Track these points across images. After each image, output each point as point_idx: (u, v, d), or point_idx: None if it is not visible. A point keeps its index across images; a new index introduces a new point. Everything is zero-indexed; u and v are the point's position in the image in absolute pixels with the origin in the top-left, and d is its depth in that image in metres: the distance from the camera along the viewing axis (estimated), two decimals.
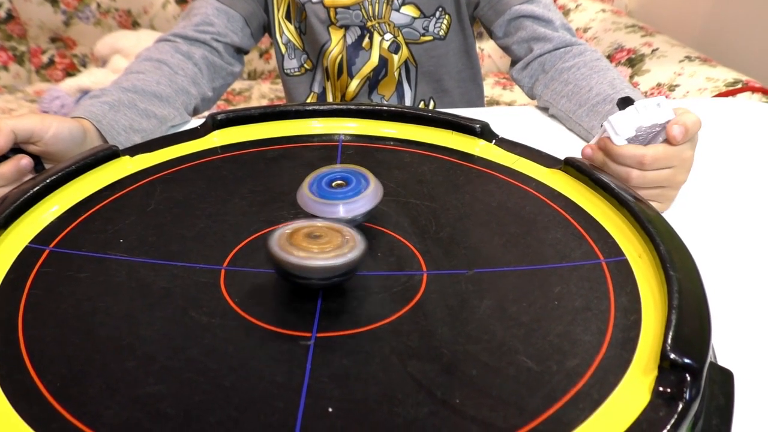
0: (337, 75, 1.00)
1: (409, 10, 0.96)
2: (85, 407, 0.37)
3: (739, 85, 1.43)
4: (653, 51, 1.66)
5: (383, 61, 0.98)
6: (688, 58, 1.57)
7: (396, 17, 0.96)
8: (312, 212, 0.51)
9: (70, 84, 1.72)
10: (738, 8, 1.74)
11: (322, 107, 0.71)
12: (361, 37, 0.97)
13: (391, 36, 0.96)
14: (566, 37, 0.92)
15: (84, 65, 2.03)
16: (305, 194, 0.52)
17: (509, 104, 1.80)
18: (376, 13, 0.95)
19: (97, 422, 0.36)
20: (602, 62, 0.87)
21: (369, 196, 0.52)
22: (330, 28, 0.97)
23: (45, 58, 2.02)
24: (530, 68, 0.93)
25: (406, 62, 0.99)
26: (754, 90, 1.42)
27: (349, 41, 0.97)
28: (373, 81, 0.99)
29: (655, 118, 0.64)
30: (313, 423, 0.37)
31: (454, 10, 0.98)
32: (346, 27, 0.97)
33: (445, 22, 0.97)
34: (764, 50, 1.64)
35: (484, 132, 0.67)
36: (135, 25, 2.00)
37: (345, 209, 0.51)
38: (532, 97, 0.95)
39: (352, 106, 0.71)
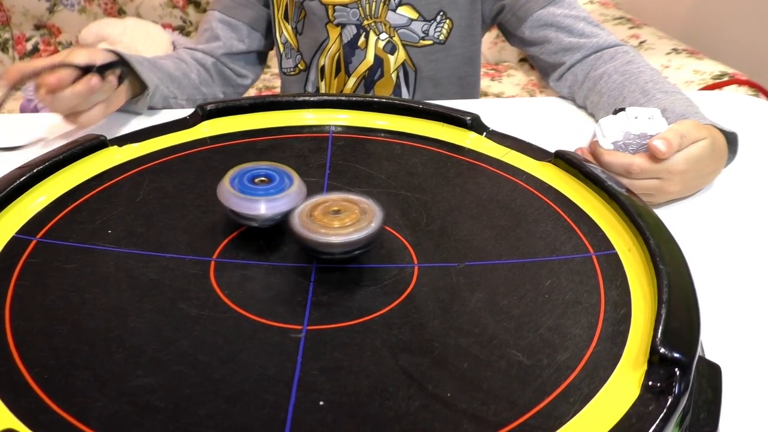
0: (335, 72, 1.00)
1: (405, 11, 0.96)
2: (73, 399, 0.37)
3: (726, 78, 1.44)
4: (641, 43, 1.66)
5: (378, 61, 0.98)
6: (675, 50, 1.58)
7: (392, 17, 0.96)
8: (231, 207, 0.49)
9: None
10: (725, 0, 1.75)
11: (312, 98, 0.71)
12: (357, 36, 0.97)
13: (387, 36, 0.96)
14: (593, 41, 0.91)
15: None
16: (225, 188, 0.50)
17: (498, 95, 1.80)
18: (373, 12, 0.95)
19: (85, 415, 0.36)
20: (634, 65, 0.86)
21: (292, 195, 0.50)
22: (327, 26, 0.98)
23: (29, 46, 2.00)
24: (565, 79, 0.93)
25: (404, 66, 0.99)
26: (740, 83, 1.43)
27: (345, 40, 0.97)
28: (369, 81, 0.99)
29: (646, 128, 0.66)
30: (304, 416, 0.36)
31: (465, 15, 0.97)
32: (343, 25, 0.97)
33: (446, 26, 0.97)
34: (750, 42, 1.65)
35: (475, 124, 0.67)
36: (121, 12, 1.98)
37: (266, 206, 0.49)
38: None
39: (343, 98, 0.71)
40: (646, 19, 1.83)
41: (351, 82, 0.99)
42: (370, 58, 0.97)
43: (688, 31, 1.82)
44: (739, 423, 0.44)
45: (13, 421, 0.36)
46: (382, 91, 1.00)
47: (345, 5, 0.95)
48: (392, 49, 0.97)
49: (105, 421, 0.36)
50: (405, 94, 1.00)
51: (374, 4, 0.95)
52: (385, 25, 0.96)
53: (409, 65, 0.99)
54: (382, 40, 0.96)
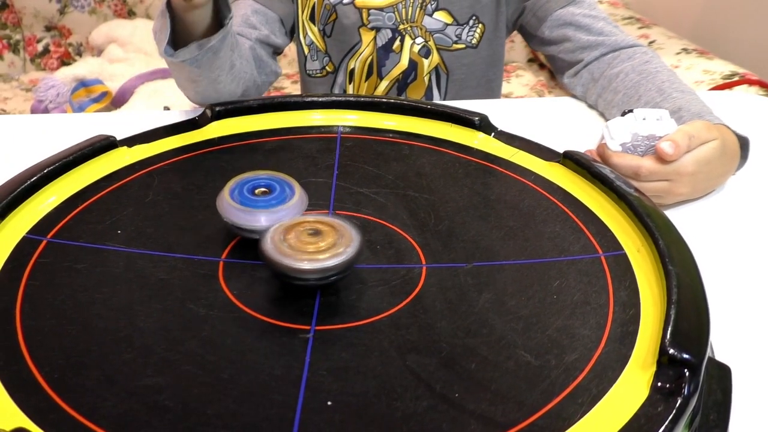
0: (367, 76, 1.00)
1: (441, 16, 0.96)
2: (83, 398, 0.37)
3: (736, 78, 1.43)
4: (650, 43, 1.66)
5: (413, 65, 0.98)
6: (685, 50, 1.57)
7: (428, 22, 0.96)
8: (231, 219, 0.48)
9: (66, 73, 1.71)
10: (735, 0, 1.74)
11: (321, 99, 0.71)
12: (392, 40, 0.97)
13: (423, 40, 0.96)
14: (612, 39, 0.91)
15: (79, 54, 2.02)
16: (225, 200, 0.48)
17: (506, 96, 1.79)
18: (409, 17, 0.95)
19: (95, 414, 0.36)
20: (651, 65, 0.86)
21: (293, 206, 0.48)
22: (361, 30, 0.98)
23: (40, 47, 2.01)
24: (580, 76, 0.93)
25: (437, 69, 0.99)
26: (751, 83, 1.42)
27: (380, 43, 0.98)
28: (402, 83, 1.00)
29: (654, 129, 0.65)
30: (312, 416, 0.37)
31: (492, 19, 0.98)
32: (378, 29, 0.97)
33: (479, 30, 0.97)
34: (761, 42, 1.64)
35: (483, 124, 0.67)
36: (131, 14, 1.99)
37: (266, 219, 0.47)
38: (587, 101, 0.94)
39: (351, 98, 0.71)
40: (656, 19, 1.82)
41: (383, 85, 1.00)
42: (404, 62, 0.98)
43: (698, 31, 1.81)
44: (750, 425, 0.44)
45: (24, 420, 0.36)
46: (415, 93, 1.00)
47: (380, 9, 0.96)
48: (427, 53, 0.97)
49: (114, 421, 0.36)
50: (436, 96, 1.01)
51: (411, 8, 0.95)
52: (421, 29, 0.96)
53: (441, 68, 0.99)
54: (418, 45, 0.97)
